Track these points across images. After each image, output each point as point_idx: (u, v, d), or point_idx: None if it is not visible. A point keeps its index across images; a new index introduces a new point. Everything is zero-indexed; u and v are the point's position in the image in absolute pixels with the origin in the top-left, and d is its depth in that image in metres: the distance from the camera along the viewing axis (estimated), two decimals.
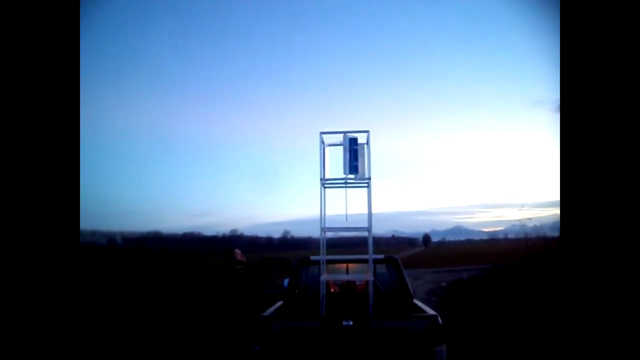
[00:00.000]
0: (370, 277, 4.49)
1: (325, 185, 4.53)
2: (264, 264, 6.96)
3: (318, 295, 4.53)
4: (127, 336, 7.57)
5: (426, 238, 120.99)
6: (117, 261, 41.90)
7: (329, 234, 4.70)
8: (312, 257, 5.69)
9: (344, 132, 4.47)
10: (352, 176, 4.41)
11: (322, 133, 4.51)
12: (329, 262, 5.07)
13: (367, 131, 4.44)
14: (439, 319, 3.94)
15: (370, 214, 4.39)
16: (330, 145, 4.60)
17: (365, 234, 4.41)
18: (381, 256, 5.70)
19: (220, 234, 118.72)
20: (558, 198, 2.57)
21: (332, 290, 5.84)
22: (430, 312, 4.20)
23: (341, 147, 4.46)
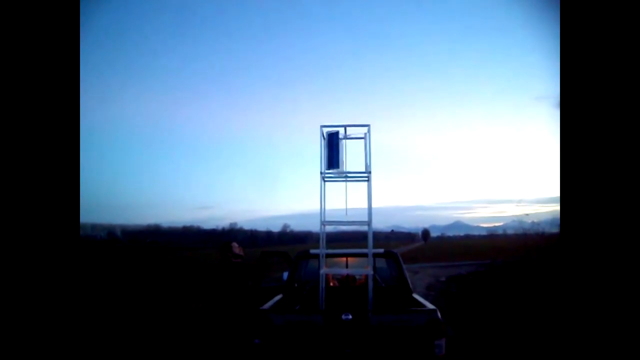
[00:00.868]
0: (369, 271, 4.50)
1: (326, 179, 4.53)
2: (263, 258, 6.98)
3: (317, 289, 4.54)
4: (126, 330, 7.59)
5: (425, 233, 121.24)
6: (114, 254, 41.99)
7: (329, 228, 4.71)
8: (311, 251, 5.70)
9: (344, 126, 4.47)
10: (352, 170, 4.42)
11: (322, 126, 4.50)
12: (328, 255, 5.08)
13: (367, 125, 4.43)
14: (438, 313, 3.95)
15: (370, 208, 4.39)
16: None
17: (365, 228, 4.41)
18: (381, 250, 5.72)
19: (220, 227, 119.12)
20: (558, 194, 2.58)
21: (331, 284, 5.86)
22: (430, 306, 4.21)
23: (341, 141, 4.47)
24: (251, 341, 4.00)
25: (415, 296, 4.94)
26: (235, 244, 6.20)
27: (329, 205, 4.54)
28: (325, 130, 4.47)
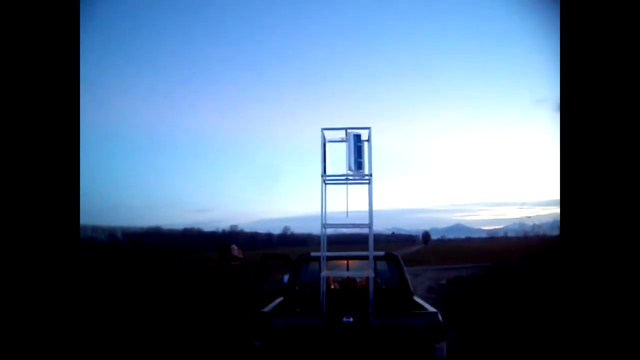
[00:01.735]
0: (370, 273, 4.50)
1: (326, 182, 4.52)
2: (264, 261, 6.96)
3: (318, 292, 4.53)
4: (126, 332, 7.58)
5: (426, 235, 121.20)
6: (115, 256, 41.95)
7: (330, 231, 4.70)
8: (312, 254, 5.69)
9: (345, 129, 4.47)
10: (352, 173, 4.40)
11: (323, 129, 4.50)
12: (329, 258, 5.07)
13: (368, 128, 4.43)
14: (439, 316, 3.94)
15: (371, 210, 4.39)
16: (330, 141, 4.58)
17: (366, 230, 4.40)
18: (382, 253, 5.71)
19: (220, 229, 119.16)
20: (558, 197, 2.57)
21: (332, 286, 5.85)
22: (431, 309, 4.20)
23: (342, 144, 4.46)
24: (251, 344, 3.99)
25: (416, 299, 4.93)
26: (234, 247, 6.18)
27: (330, 208, 4.53)
28: (350, 132, 4.39)
